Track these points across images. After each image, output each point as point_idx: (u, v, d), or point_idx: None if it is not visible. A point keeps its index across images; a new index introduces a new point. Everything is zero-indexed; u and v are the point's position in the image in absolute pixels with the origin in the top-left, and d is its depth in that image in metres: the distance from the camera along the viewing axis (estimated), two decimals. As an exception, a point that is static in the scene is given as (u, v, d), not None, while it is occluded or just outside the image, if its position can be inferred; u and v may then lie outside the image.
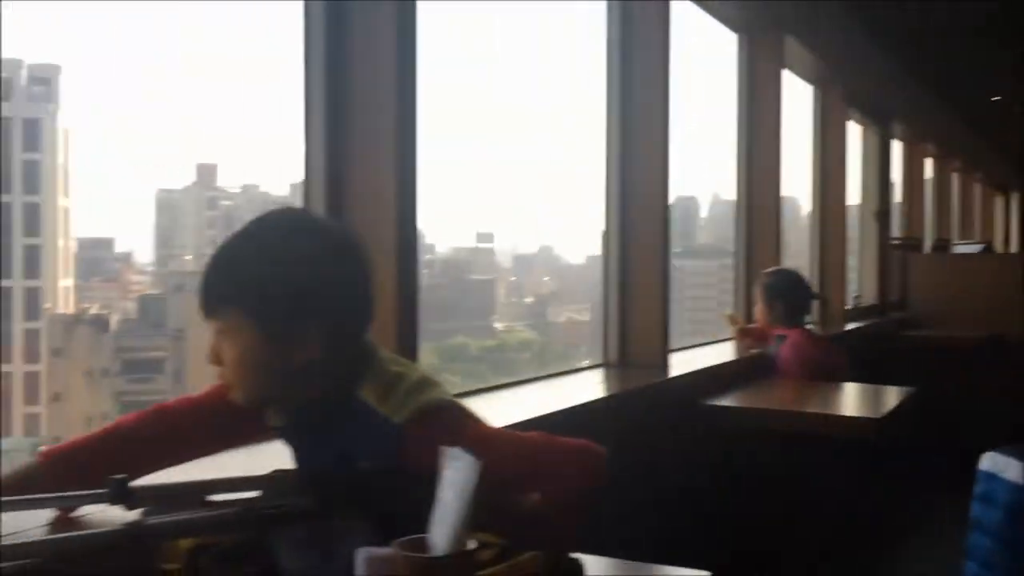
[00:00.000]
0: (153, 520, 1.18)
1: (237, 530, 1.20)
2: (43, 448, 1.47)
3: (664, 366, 3.50)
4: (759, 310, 4.08)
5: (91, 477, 1.32)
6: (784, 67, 4.94)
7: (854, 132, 6.78)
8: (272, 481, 1.29)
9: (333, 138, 2.20)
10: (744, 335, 4.21)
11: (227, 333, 1.39)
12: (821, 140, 5.95)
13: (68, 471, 1.43)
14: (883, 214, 7.00)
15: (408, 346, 2.15)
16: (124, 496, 1.25)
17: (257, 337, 1.37)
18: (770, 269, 4.27)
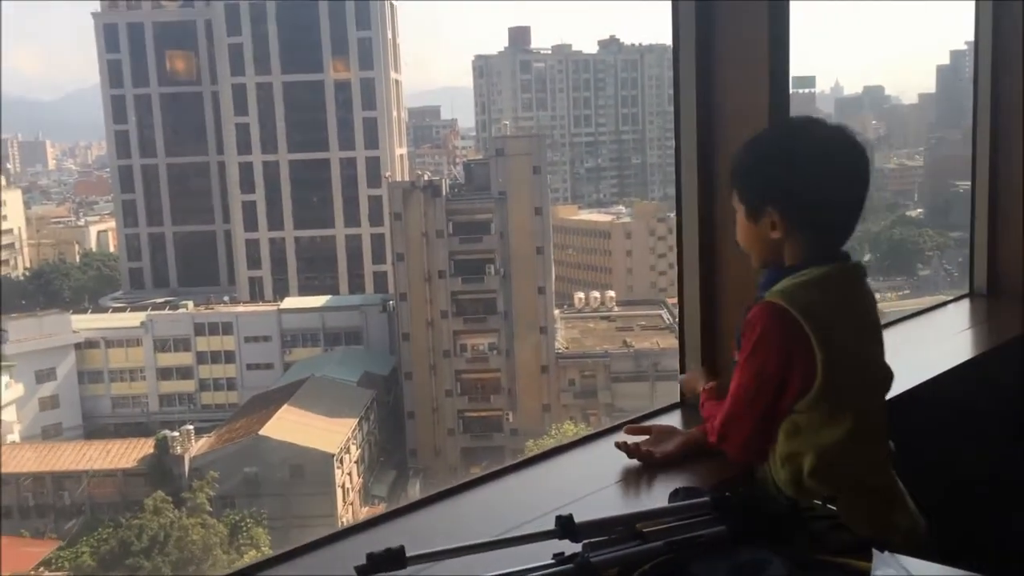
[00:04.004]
0: (597, 556, 1.35)
1: (663, 558, 1.39)
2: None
3: None
4: None
5: None
6: None
7: None
8: (692, 509, 1.49)
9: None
10: None
11: (736, 207, 1.89)
12: None
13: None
14: None
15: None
16: (571, 531, 1.39)
17: (744, 214, 1.86)
18: None
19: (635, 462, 2.00)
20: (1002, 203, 3.25)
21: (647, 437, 2.07)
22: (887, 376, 1.97)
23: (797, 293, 1.78)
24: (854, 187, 1.81)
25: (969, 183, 3.37)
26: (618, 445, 2.03)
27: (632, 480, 1.95)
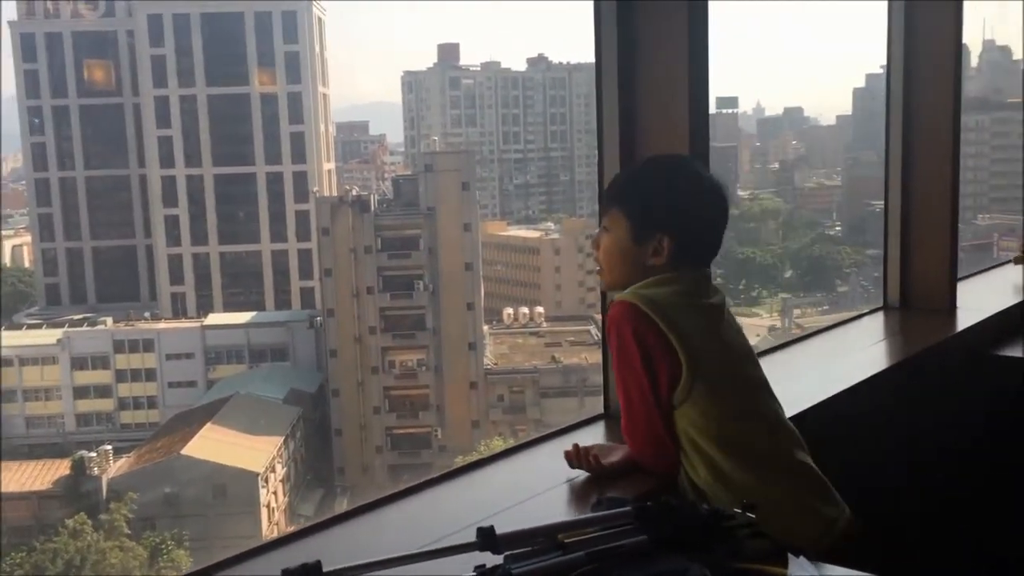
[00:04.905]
0: (518, 567, 1.33)
1: (585, 569, 1.38)
2: None
3: (951, 308, 3.25)
4: None
5: None
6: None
7: None
8: (613, 519, 1.48)
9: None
10: None
11: (609, 227, 1.93)
12: None
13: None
14: None
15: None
16: (492, 543, 1.37)
17: (628, 234, 1.89)
18: None
19: (559, 474, 2.00)
20: (913, 221, 3.36)
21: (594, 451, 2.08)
22: (752, 359, 2.00)
23: (640, 290, 1.87)
24: (724, 226, 1.96)
25: (883, 202, 3.48)
26: (567, 455, 2.04)
27: (555, 491, 1.95)
